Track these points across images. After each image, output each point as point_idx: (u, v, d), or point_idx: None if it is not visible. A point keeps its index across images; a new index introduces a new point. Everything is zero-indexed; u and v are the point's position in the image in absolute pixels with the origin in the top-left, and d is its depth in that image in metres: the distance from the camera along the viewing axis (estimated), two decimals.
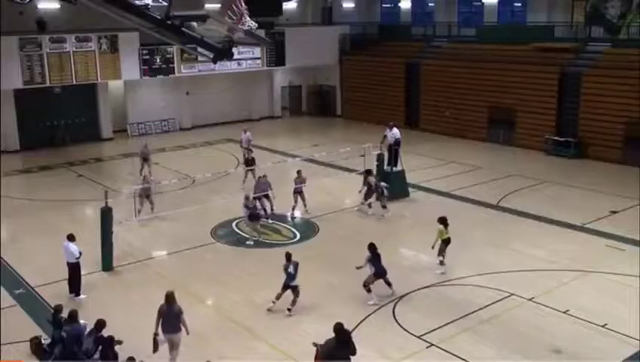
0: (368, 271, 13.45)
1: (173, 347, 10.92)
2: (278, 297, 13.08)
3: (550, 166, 24.98)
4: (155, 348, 10.78)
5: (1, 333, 11.38)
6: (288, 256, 13.21)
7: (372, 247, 13.44)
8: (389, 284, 13.67)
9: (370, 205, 18.96)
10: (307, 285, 14.38)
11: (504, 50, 29.52)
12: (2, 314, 12.59)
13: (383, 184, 18.93)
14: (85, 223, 18.60)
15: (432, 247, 15.02)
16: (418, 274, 14.91)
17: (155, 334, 10.82)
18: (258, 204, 18.38)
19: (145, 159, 21.81)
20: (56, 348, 10.86)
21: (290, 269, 13.06)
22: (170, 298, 10.86)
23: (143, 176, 19.17)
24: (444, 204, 20.31)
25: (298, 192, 19.06)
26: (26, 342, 11.65)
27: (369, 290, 13.40)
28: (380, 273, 13.45)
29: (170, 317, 10.79)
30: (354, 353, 9.67)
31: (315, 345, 9.83)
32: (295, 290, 13.08)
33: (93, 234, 15.75)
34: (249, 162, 22.04)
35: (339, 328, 9.63)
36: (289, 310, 13.02)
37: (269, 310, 13.11)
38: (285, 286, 13.08)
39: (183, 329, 10.94)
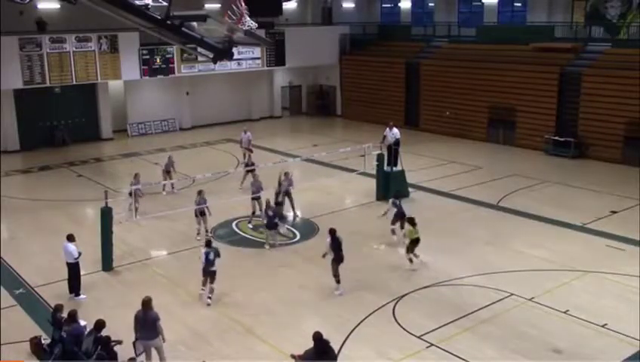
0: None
1: (158, 351, 10.89)
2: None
3: (550, 166, 24.98)
4: (136, 354, 10.73)
5: (1, 333, 11.38)
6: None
7: (332, 232, 13.84)
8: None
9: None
10: (307, 285, 14.43)
11: (504, 50, 29.50)
12: (2, 314, 12.59)
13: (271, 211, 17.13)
14: (85, 223, 18.61)
15: (393, 233, 16.57)
16: (418, 274, 14.90)
17: (135, 341, 10.80)
18: (257, 204, 18.30)
19: (167, 171, 21.72)
20: (56, 348, 10.86)
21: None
22: (146, 304, 10.74)
23: (135, 174, 19.12)
24: (444, 204, 20.33)
25: (286, 193, 18.78)
26: (26, 341, 11.65)
27: (338, 281, 13.82)
28: (337, 259, 13.77)
29: (146, 324, 10.70)
30: (335, 360, 9.75)
31: (292, 356, 9.84)
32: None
33: (93, 234, 15.76)
34: (249, 163, 22.07)
35: (317, 337, 9.62)
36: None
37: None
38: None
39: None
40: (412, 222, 15.08)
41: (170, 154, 23.03)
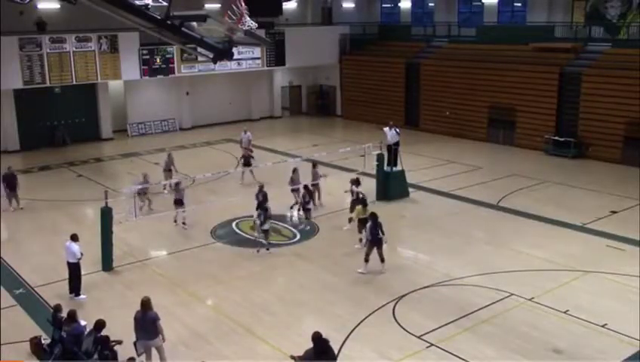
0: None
1: (159, 351, 10.88)
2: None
3: (550, 166, 24.98)
4: (137, 354, 10.73)
5: (0, 333, 11.38)
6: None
7: (373, 216, 14.78)
8: (382, 259, 14.77)
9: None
10: (307, 285, 14.44)
11: (504, 50, 29.51)
12: (2, 314, 12.58)
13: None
14: (85, 223, 18.60)
15: (350, 221, 17.16)
16: (418, 274, 14.91)
17: (135, 341, 10.78)
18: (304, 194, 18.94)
19: (168, 170, 21.74)
20: (56, 348, 10.86)
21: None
22: (145, 304, 10.72)
23: (144, 175, 19.27)
24: (444, 204, 20.33)
25: (314, 185, 19.56)
26: (26, 342, 11.65)
27: (366, 260, 14.72)
28: (373, 241, 14.61)
29: (145, 324, 10.69)
30: (334, 360, 9.81)
31: (292, 357, 9.86)
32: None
33: (93, 234, 15.76)
34: (247, 162, 22.20)
35: (317, 337, 9.61)
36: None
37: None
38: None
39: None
40: (364, 203, 16.55)
41: (169, 152, 23.03)
